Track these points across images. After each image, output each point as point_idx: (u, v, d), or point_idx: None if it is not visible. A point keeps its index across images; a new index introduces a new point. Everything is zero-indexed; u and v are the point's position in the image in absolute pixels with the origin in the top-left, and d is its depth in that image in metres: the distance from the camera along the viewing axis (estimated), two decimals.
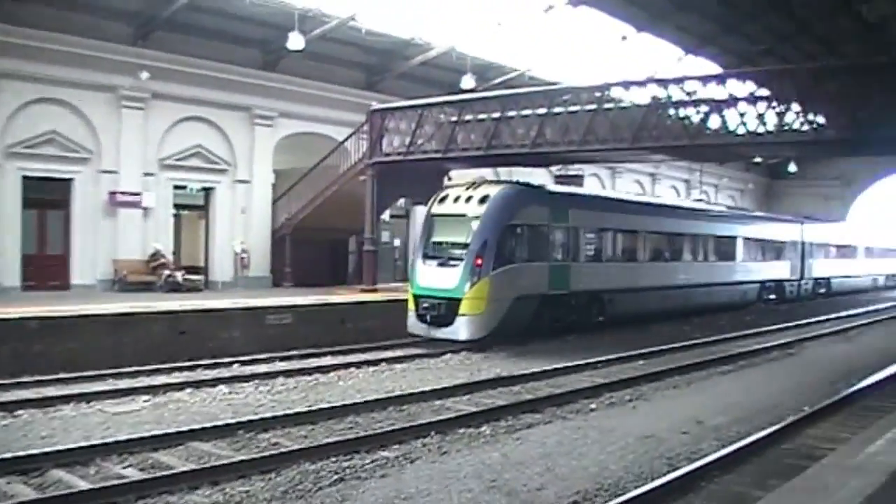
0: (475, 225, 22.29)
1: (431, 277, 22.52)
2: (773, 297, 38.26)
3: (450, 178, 30.84)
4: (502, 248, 22.29)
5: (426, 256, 23.08)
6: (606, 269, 26.68)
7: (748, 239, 36.70)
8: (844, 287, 46.57)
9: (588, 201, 27.48)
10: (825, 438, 12.27)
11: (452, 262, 22.24)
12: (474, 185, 23.95)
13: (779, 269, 39.24)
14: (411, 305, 22.74)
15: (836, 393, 15.86)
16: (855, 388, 16.37)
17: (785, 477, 8.94)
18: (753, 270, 36.82)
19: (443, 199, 23.82)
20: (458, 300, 21.66)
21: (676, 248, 31.29)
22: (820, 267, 43.30)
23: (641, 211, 30.51)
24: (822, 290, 44.02)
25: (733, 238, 35.50)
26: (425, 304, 22.22)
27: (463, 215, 22.76)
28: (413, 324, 22.68)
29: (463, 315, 21.64)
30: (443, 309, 21.86)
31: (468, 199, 23.04)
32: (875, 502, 6.83)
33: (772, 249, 38.77)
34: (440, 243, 23.12)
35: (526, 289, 22.97)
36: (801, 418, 13.51)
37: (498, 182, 25.61)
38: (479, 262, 21.74)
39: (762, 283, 37.51)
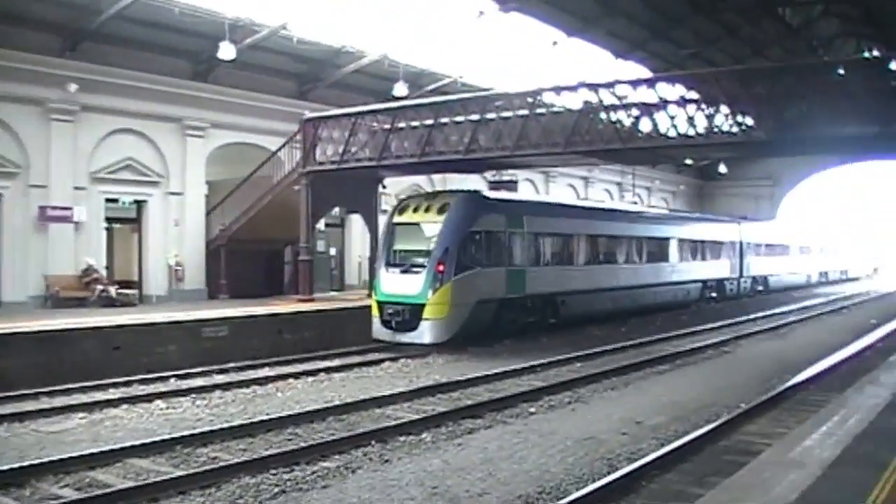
0: (436, 233, 23.23)
1: (395, 284, 23.34)
2: (714, 295, 39.64)
3: (384, 187, 30.93)
4: (463, 254, 23.20)
5: (389, 264, 23.92)
6: (559, 273, 27.55)
7: (691, 241, 37.88)
8: (780, 284, 48.21)
9: (540, 208, 29.11)
10: (762, 434, 12.51)
11: (415, 269, 23.10)
12: (434, 194, 25.50)
13: (719, 269, 40.53)
14: (375, 312, 23.47)
15: (771, 389, 16.18)
16: (789, 383, 16.71)
17: (724, 474, 9.11)
18: (696, 270, 37.95)
19: (403, 209, 24.79)
20: (422, 305, 22.54)
21: (624, 251, 32.23)
22: (757, 265, 44.77)
23: (590, 216, 31.33)
24: (760, 288, 45.64)
25: (677, 240, 36.62)
26: (390, 311, 23.00)
27: (424, 223, 23.89)
28: (378, 329, 23.41)
29: (427, 320, 22.51)
30: (407, 314, 22.70)
31: (428, 208, 24.08)
32: (811, 496, 6.98)
33: (713, 250, 39.88)
34: (402, 251, 24.07)
35: (485, 293, 23.92)
36: (738, 415, 13.75)
37: (456, 192, 26.08)
38: (442, 268, 22.67)
39: (704, 282, 38.71)
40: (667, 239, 35.88)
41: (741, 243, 42.84)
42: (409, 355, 21.65)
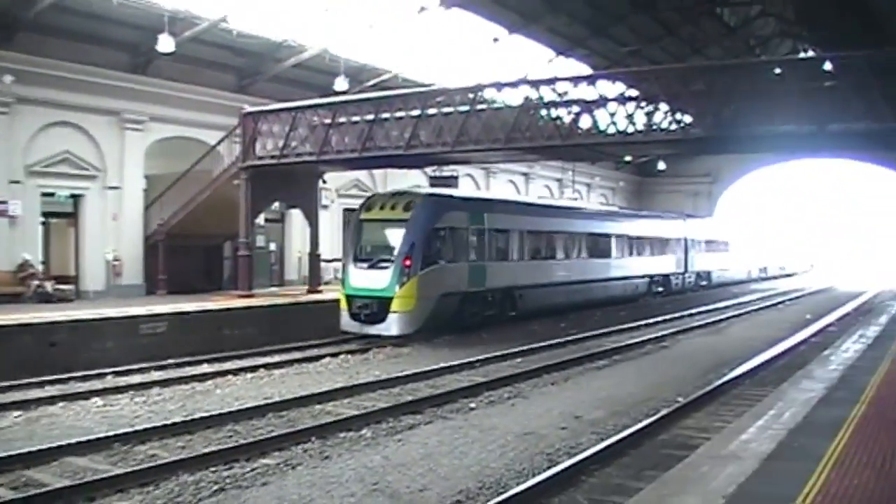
0: (402, 229, 24.07)
1: (363, 279, 24.19)
2: (661, 289, 41.12)
3: (324, 182, 30.85)
4: (428, 250, 24.25)
5: (357, 259, 24.75)
6: (516, 268, 28.80)
7: (640, 237, 39.27)
8: (723, 279, 49.73)
9: (500, 205, 29.46)
10: (699, 428, 12.69)
11: (382, 264, 23.94)
12: (399, 193, 26.24)
13: (666, 264, 41.88)
14: (344, 305, 24.25)
15: (709, 384, 16.43)
16: (726, 378, 16.98)
17: (662, 468, 9.22)
18: (644, 266, 39.48)
19: (370, 206, 25.61)
20: (390, 299, 23.37)
21: (577, 247, 33.51)
22: (701, 261, 46.13)
23: (544, 213, 32.75)
24: (704, 283, 47.04)
25: (627, 236, 37.95)
26: (358, 304, 23.82)
27: (390, 220, 24.64)
28: (346, 322, 24.19)
29: (394, 312, 23.35)
30: (375, 307, 23.50)
31: (394, 205, 24.97)
32: (748, 488, 7.08)
33: (660, 246, 41.36)
34: (370, 247, 24.91)
35: (449, 287, 24.94)
36: (676, 410, 13.93)
37: (420, 191, 27.22)
38: (408, 263, 23.59)
39: (651, 277, 40.13)
40: (618, 236, 37.08)
41: (686, 240, 44.08)
42: (349, 351, 21.71)
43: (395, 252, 23.85)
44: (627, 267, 37.68)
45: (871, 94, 19.00)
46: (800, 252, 71.39)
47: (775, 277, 61.39)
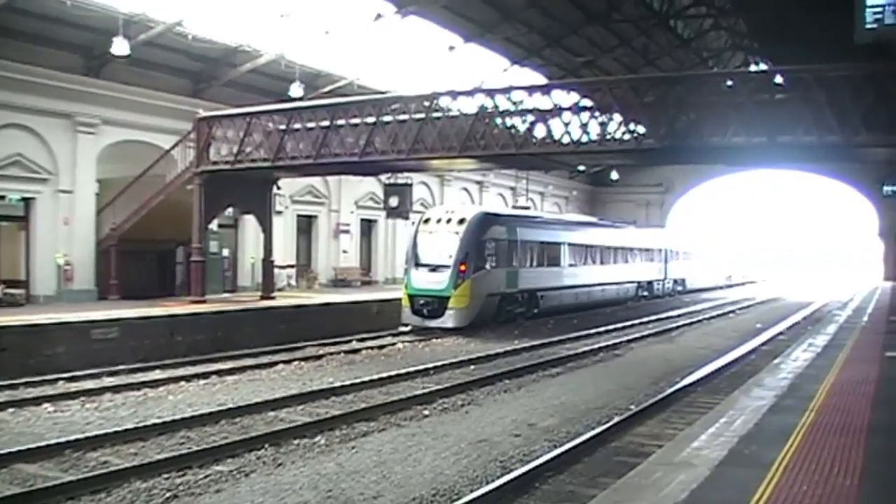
0: (457, 240, 28.63)
1: (424, 281, 28.61)
2: (646, 294, 46.44)
3: (278, 188, 30.74)
4: (477, 257, 29.05)
5: (418, 265, 29.12)
6: (539, 273, 33.63)
7: (632, 248, 44.75)
8: (695, 286, 54.76)
9: (528, 221, 35.31)
10: (652, 436, 12.82)
11: (441, 269, 28.36)
12: (452, 210, 30.78)
13: (651, 272, 47.40)
14: (406, 302, 28.80)
15: (661, 391, 16.61)
16: (678, 386, 17.16)
17: (615, 475, 9.31)
18: (635, 273, 44.95)
19: (427, 221, 30.14)
20: (447, 298, 27.99)
21: (585, 256, 38.72)
22: (678, 269, 51.60)
23: (561, 226, 38.43)
24: (680, 288, 52.13)
25: (622, 248, 43.44)
26: (420, 302, 28.41)
27: (447, 233, 29.03)
28: (407, 316, 28.71)
29: (451, 309, 27.94)
30: (435, 305, 28.07)
31: (449, 220, 29.56)
32: (700, 495, 7.18)
33: (647, 255, 46.85)
34: (429, 254, 29.12)
35: (492, 288, 29.79)
36: (629, 417, 14.07)
37: (468, 209, 32.13)
38: (463, 268, 28.31)
39: (639, 283, 45.59)
40: (616, 248, 42.58)
41: (665, 251, 49.38)
42: (302, 358, 21.69)
43: (452, 259, 28.27)
44: (623, 274, 42.92)
45: (819, 108, 19.32)
46: (758, 262, 76.14)
47: (739, 284, 65.51)
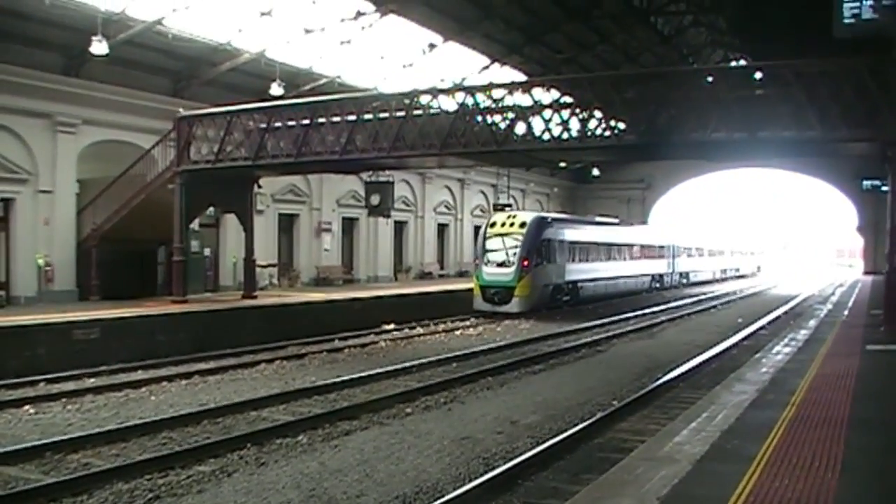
0: (519, 240, 34.17)
1: (492, 274, 34.15)
2: (657, 285, 51.22)
3: (260, 186, 30.62)
4: (536, 254, 34.40)
5: (487, 261, 34.59)
6: (580, 267, 38.80)
7: (648, 245, 49.70)
8: (697, 279, 59.41)
9: (571, 222, 41.23)
10: (634, 431, 12.87)
11: (508, 263, 33.95)
12: (514, 215, 36.38)
13: (661, 266, 52.05)
14: (477, 292, 34.50)
15: (643, 387, 16.63)
16: (660, 381, 17.22)
17: (598, 471, 9.33)
18: (651, 267, 50.03)
19: (493, 225, 35.67)
20: (513, 287, 33.49)
21: (613, 253, 43.77)
22: (682, 264, 55.82)
23: (595, 226, 43.91)
24: (684, 281, 56.54)
25: (640, 245, 48.39)
26: (491, 292, 33.98)
27: (511, 234, 34.54)
28: (479, 304, 34.24)
29: (516, 297, 33.47)
30: (503, 293, 33.59)
31: (512, 223, 35.05)
32: (682, 490, 7.20)
33: (658, 251, 51.48)
34: (497, 252, 34.54)
35: (547, 280, 35.38)
36: (611, 413, 14.08)
37: (528, 214, 37.69)
38: (526, 263, 33.78)
39: (652, 275, 50.48)
40: (636, 245, 47.75)
41: (672, 247, 53.64)
42: (284, 357, 21.68)
43: (516, 256, 33.79)
44: (641, 268, 48.30)
45: (798, 103, 19.42)
46: (750, 255, 78.40)
47: (731, 278, 68.24)
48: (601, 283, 41.45)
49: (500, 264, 34.15)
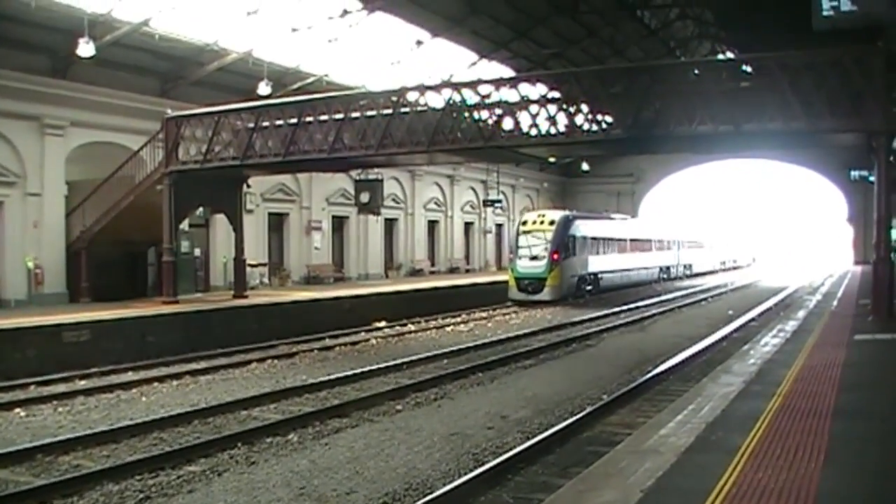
0: (549, 236, 38.05)
1: (526, 266, 37.97)
2: (665, 276, 54.46)
3: (249, 186, 30.63)
4: (564, 249, 38.30)
5: (521, 256, 38.34)
6: (601, 259, 42.78)
7: (659, 240, 53.49)
8: (700, 270, 62.53)
9: (593, 220, 44.27)
10: (622, 425, 12.92)
11: (539, 257, 37.74)
12: (543, 214, 40.48)
13: (668, 258, 55.79)
14: (512, 283, 38.31)
15: (632, 381, 16.70)
16: (648, 375, 17.30)
17: (586, 464, 9.36)
18: (660, 259, 54.07)
19: (525, 223, 39.64)
20: (544, 279, 37.42)
21: (628, 246, 47.35)
22: (686, 256, 59.31)
23: (613, 222, 47.64)
24: (688, 273, 59.72)
25: (651, 239, 52.08)
26: (525, 282, 37.80)
27: (542, 231, 38.45)
28: (514, 293, 38.06)
29: (548, 287, 37.32)
30: (536, 284, 37.47)
31: (542, 221, 39.02)
32: (666, 482, 7.25)
33: (666, 245, 55.11)
34: (529, 247, 38.19)
35: (574, 271, 39.38)
36: (600, 407, 14.14)
37: (557, 212, 41.31)
38: (555, 256, 37.65)
39: (661, 267, 54.14)
40: (648, 239, 51.43)
41: (678, 241, 57.28)
42: (275, 356, 21.71)
43: (547, 250, 37.57)
44: (652, 261, 52.15)
45: (784, 95, 19.52)
46: (745, 247, 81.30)
47: (730, 269, 70.84)
48: (618, 274, 45.30)
49: (533, 258, 37.92)
